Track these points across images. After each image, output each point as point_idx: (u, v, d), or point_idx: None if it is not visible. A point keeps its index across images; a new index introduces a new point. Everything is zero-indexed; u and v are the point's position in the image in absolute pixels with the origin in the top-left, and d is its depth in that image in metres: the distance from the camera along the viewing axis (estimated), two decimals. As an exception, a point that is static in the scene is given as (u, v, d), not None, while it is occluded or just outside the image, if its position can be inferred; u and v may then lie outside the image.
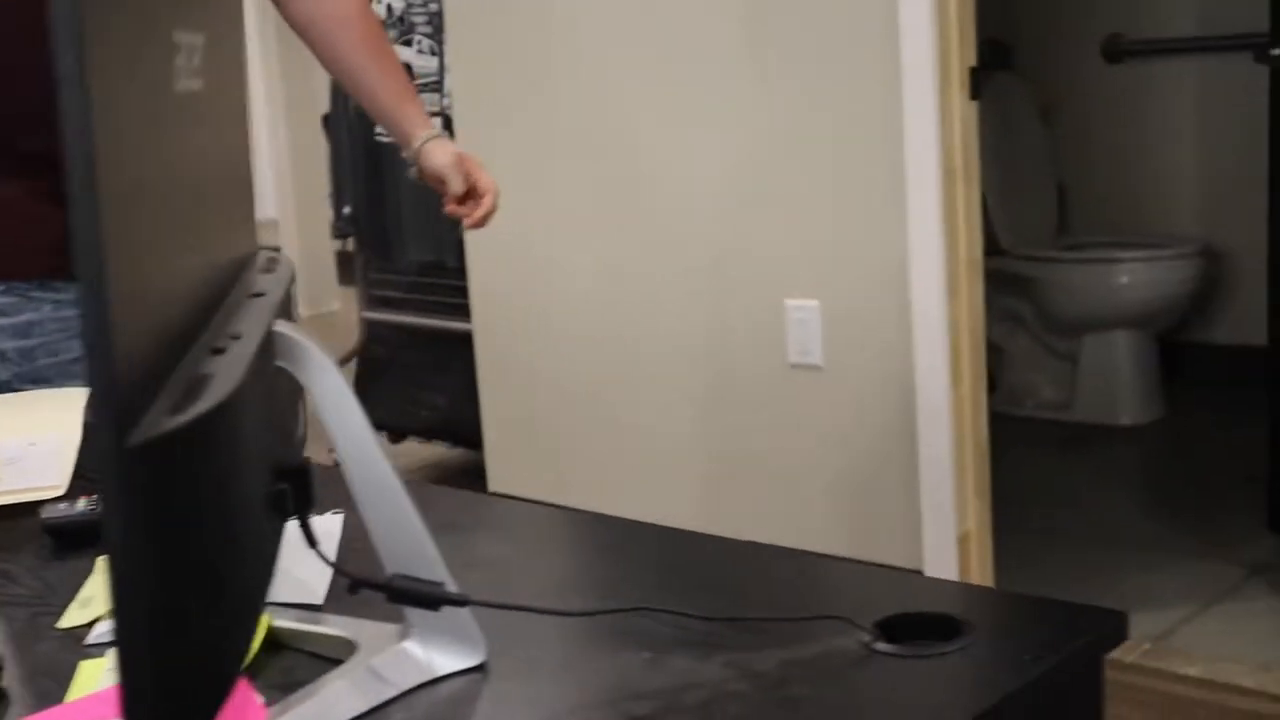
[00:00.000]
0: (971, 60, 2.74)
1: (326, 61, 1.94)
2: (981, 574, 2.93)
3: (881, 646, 0.86)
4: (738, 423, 3.15)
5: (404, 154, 1.93)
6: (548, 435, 3.43)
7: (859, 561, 1.03)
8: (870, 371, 2.93)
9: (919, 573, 2.92)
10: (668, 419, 3.25)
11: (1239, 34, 3.95)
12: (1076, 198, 4.53)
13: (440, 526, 1.10)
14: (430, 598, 0.81)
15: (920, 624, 0.87)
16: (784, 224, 2.98)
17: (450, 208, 1.92)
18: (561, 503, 3.37)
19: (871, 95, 2.79)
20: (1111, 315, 4.01)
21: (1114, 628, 0.88)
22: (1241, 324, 4.26)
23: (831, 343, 2.97)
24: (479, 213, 1.90)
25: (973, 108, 2.76)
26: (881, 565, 2.92)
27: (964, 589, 0.94)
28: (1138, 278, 3.96)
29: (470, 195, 1.91)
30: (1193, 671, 2.66)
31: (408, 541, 0.83)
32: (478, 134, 3.40)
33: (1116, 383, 4.07)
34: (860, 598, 0.96)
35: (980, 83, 4.13)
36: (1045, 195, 4.38)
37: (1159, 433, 4.05)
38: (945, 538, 2.89)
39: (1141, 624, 2.87)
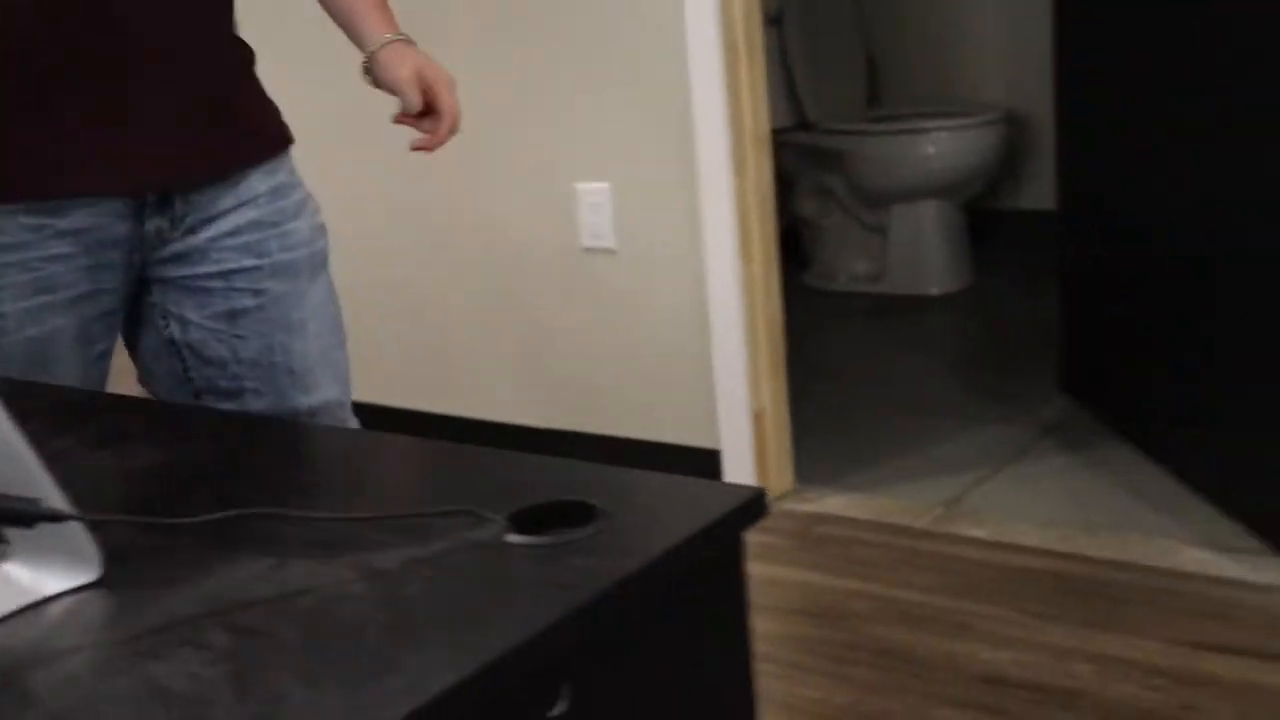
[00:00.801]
0: (748, -68, 2.71)
1: None
2: (778, 450, 2.97)
3: (512, 538, 0.84)
4: (534, 309, 3.12)
5: (363, 62, 1.69)
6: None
7: (512, 450, 1.01)
8: (663, 253, 2.92)
9: (716, 452, 2.95)
10: (467, 308, 3.22)
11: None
12: (886, 69, 4.54)
13: (108, 439, 1.06)
14: (26, 515, 0.78)
15: (556, 512, 0.86)
16: (571, 108, 2.94)
17: (401, 118, 1.68)
18: (371, 400, 3.33)
19: (650, -29, 2.75)
20: (919, 185, 4.04)
21: (752, 504, 0.88)
22: (1047, 189, 4.33)
23: (624, 226, 2.95)
24: (433, 139, 1.67)
25: (752, -19, 2.73)
26: (677, 445, 2.94)
27: (607, 473, 0.93)
28: (943, 147, 4.00)
29: (427, 113, 1.67)
30: (980, 533, 2.73)
31: (6, 458, 0.79)
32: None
33: (925, 253, 4.12)
34: (499, 488, 0.94)
35: (782, -45, 4.12)
36: (854, 67, 4.38)
37: (967, 301, 4.11)
38: (740, 416, 2.91)
39: (935, 489, 2.93)
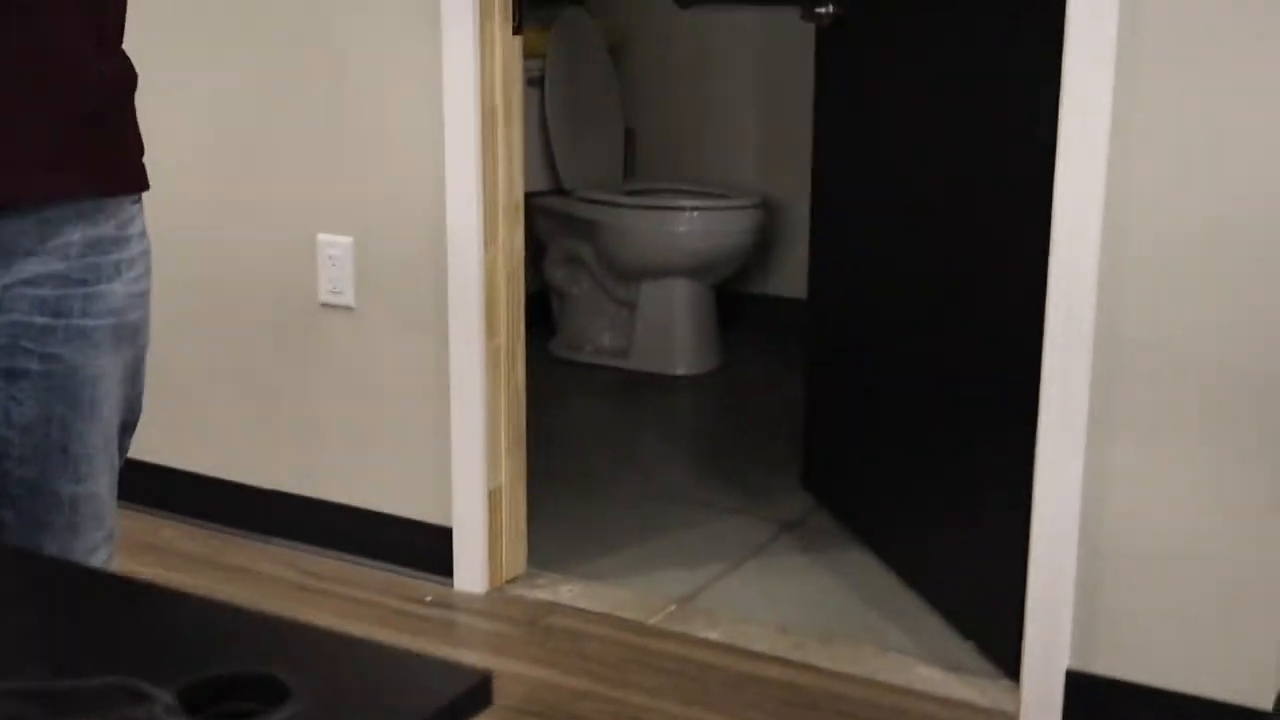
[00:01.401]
0: (516, -8, 2.59)
1: None
2: (512, 531, 2.83)
3: (178, 721, 0.68)
4: (268, 364, 2.92)
5: None
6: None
7: (184, 596, 0.85)
8: (405, 316, 2.76)
9: (448, 530, 2.79)
10: (200, 360, 2.99)
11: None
12: (644, 142, 4.48)
13: None
14: None
15: (239, 686, 0.71)
16: (318, 157, 2.77)
17: None
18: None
19: (413, 25, 2.60)
20: (669, 263, 3.97)
21: (476, 691, 0.74)
22: (797, 277, 4.31)
23: (365, 282, 2.78)
24: None
25: (515, 43, 2.61)
26: (408, 519, 2.78)
27: (311, 636, 0.78)
28: (695, 227, 3.94)
29: None
30: (714, 635, 2.63)
31: None
32: None
33: (673, 332, 4.04)
34: (176, 648, 0.78)
35: (549, 16, 4.03)
36: (612, 137, 4.30)
37: (713, 384, 4.05)
38: (475, 492, 2.76)
39: (670, 582, 2.83)
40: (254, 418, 2.96)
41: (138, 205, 1.47)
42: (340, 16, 2.68)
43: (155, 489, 3.06)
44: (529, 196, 4.08)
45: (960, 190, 2.55)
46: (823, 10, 2.89)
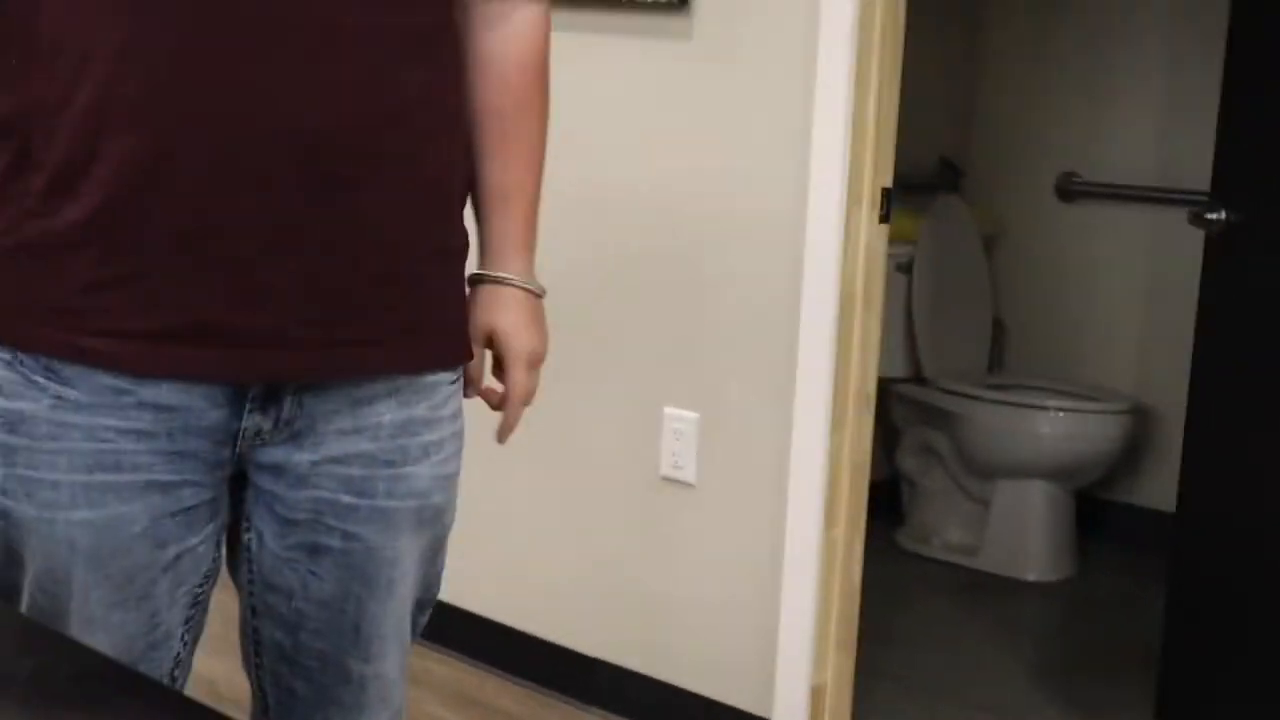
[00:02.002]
0: (885, 180, 2.54)
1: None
2: (834, 732, 2.70)
3: None
4: (602, 530, 2.92)
5: None
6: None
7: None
8: (744, 496, 2.71)
9: (767, 721, 2.69)
10: (534, 522, 3.02)
11: (1195, 190, 3.77)
12: (1013, 335, 4.33)
13: None
14: None
15: None
16: (668, 329, 2.77)
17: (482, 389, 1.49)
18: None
19: (776, 205, 2.59)
20: (1029, 464, 3.80)
21: None
22: (1166, 489, 4.05)
23: (707, 459, 2.75)
24: (502, 424, 1.50)
25: (881, 231, 2.56)
26: (727, 705, 2.70)
27: None
28: (1060, 429, 3.76)
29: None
30: None
31: None
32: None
33: (1027, 535, 3.85)
34: None
35: (924, 203, 3.97)
36: (979, 327, 4.18)
37: (1065, 593, 3.83)
38: (798, 687, 2.66)
39: (998, 808, 2.64)
40: (586, 583, 2.95)
41: (455, 385, 1.46)
42: (702, 197, 2.69)
43: (486, 643, 3.08)
44: (887, 383, 4.02)
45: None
46: (1214, 216, 2.74)
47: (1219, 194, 2.76)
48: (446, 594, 3.07)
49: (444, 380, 1.43)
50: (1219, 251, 2.79)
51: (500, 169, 1.46)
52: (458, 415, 1.47)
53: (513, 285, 1.47)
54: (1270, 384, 2.60)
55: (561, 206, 2.88)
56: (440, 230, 1.40)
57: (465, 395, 1.46)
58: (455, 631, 3.13)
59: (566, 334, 2.90)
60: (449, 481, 1.46)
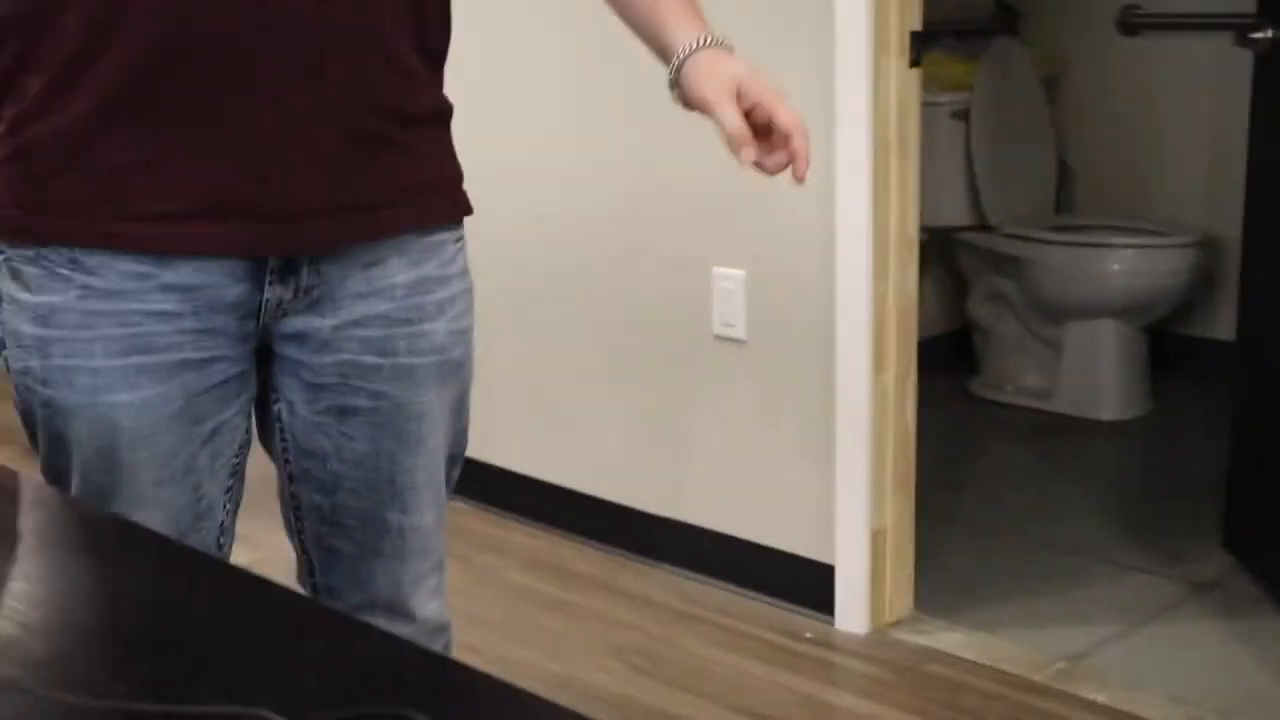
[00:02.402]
0: (914, 24, 2.53)
1: None
2: (896, 574, 2.76)
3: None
4: (658, 392, 2.98)
5: (669, 77, 1.41)
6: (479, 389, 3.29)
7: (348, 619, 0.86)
8: (794, 350, 2.75)
9: (830, 567, 2.76)
10: (588, 385, 3.09)
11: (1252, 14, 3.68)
12: (1080, 176, 4.28)
13: None
14: None
15: None
16: (713, 192, 2.79)
17: (740, 151, 1.34)
18: (487, 459, 3.22)
19: (803, 56, 2.59)
20: (1099, 303, 3.78)
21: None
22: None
23: (756, 316, 2.79)
24: (790, 163, 1.36)
25: (913, 75, 2.55)
26: (791, 554, 2.76)
27: (474, 680, 0.77)
28: (1129, 266, 3.73)
29: (764, 134, 1.36)
30: (1101, 698, 2.48)
31: None
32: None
33: (1100, 375, 3.84)
34: (346, 680, 0.79)
35: (979, 48, 3.92)
36: (1043, 171, 4.13)
37: (1140, 431, 3.82)
38: (858, 533, 2.71)
39: (1062, 639, 2.68)
40: (649, 445, 3.02)
41: (460, 244, 1.51)
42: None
43: (558, 509, 3.17)
44: (953, 231, 4.01)
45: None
46: (1260, 35, 2.69)
47: (1266, 11, 2.71)
48: (520, 464, 3.18)
49: (449, 239, 1.49)
50: (1267, 71, 2.75)
51: None
52: (466, 272, 1.52)
53: (717, 47, 1.41)
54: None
55: (591, 79, 2.90)
56: (427, 93, 1.45)
57: (743, 162, 1.36)
58: (530, 499, 3.22)
59: (613, 203, 2.95)
60: (465, 336, 1.52)
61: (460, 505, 3.26)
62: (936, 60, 3.85)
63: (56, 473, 1.44)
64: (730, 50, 1.41)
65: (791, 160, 1.36)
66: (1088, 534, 3.17)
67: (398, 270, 1.44)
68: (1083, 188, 4.29)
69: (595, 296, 3.03)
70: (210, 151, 1.32)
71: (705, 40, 1.40)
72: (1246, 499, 2.91)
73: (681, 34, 1.41)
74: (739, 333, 2.81)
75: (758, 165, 1.36)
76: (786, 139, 1.35)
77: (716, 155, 2.75)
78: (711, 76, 1.37)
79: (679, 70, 1.40)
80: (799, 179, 1.37)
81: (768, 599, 2.85)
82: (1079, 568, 2.99)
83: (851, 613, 2.74)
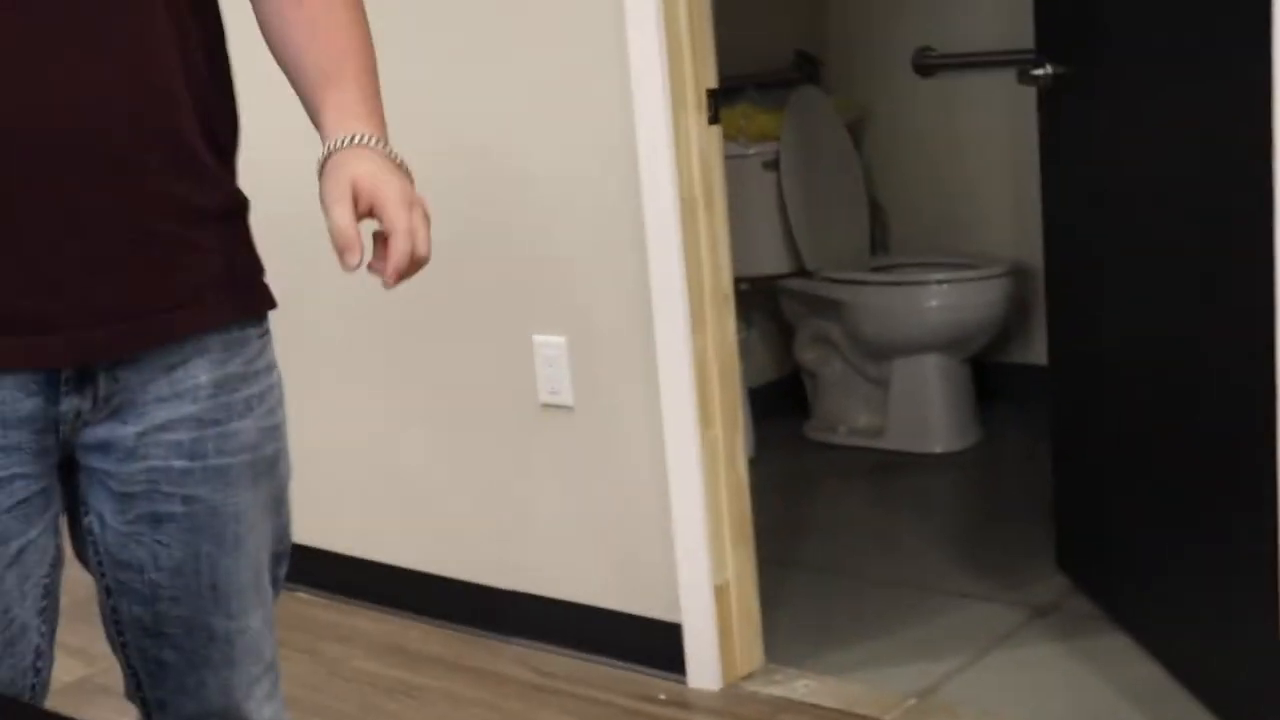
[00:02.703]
0: (709, 82, 2.56)
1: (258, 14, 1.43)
2: (743, 627, 2.76)
3: None
4: (491, 465, 2.95)
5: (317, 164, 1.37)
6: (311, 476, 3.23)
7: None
8: (622, 412, 2.75)
9: (678, 626, 2.75)
10: (422, 462, 3.05)
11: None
12: (893, 216, 4.38)
13: None
14: None
15: None
16: (528, 258, 2.79)
17: (341, 255, 1.28)
18: (324, 546, 3.17)
19: (607, 122, 2.61)
20: (921, 339, 3.85)
21: None
22: (1059, 345, 4.13)
23: (581, 381, 2.78)
24: (385, 262, 1.30)
25: (713, 132, 2.58)
26: (638, 616, 2.75)
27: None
28: (945, 300, 3.82)
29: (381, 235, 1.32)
30: (952, 730, 2.50)
31: None
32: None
33: (928, 409, 3.92)
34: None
35: (782, 98, 4.00)
36: (856, 214, 4.21)
37: (971, 461, 3.90)
38: (702, 588, 2.71)
39: (911, 675, 2.71)
40: (486, 518, 2.99)
41: (265, 337, 1.47)
42: (531, 126, 2.71)
43: (401, 591, 3.12)
44: (773, 280, 4.06)
45: (1185, 238, 2.38)
46: (1040, 72, 2.77)
47: (1043, 49, 2.80)
48: (361, 549, 3.13)
49: (253, 334, 1.45)
50: (1050, 105, 2.84)
51: (315, 57, 1.41)
52: (273, 367, 1.49)
53: (360, 145, 1.35)
54: (1106, 226, 2.65)
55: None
56: (219, 191, 1.42)
57: (345, 266, 1.29)
58: (373, 584, 3.17)
59: (428, 277, 2.92)
60: (276, 432, 1.48)
61: (302, 595, 3.19)
62: (744, 112, 3.92)
63: None
64: (374, 146, 1.36)
65: (389, 261, 1.30)
66: (928, 567, 3.21)
67: (201, 370, 1.40)
68: (896, 228, 4.38)
69: (421, 373, 3.00)
70: None
71: (347, 140, 1.35)
72: (1074, 519, 2.97)
73: (330, 127, 1.37)
74: (566, 399, 2.80)
75: (371, 268, 1.31)
76: (392, 236, 1.31)
77: (521, 223, 2.76)
78: (331, 176, 1.33)
79: (320, 166, 1.36)
80: (385, 283, 1.32)
81: (619, 664, 2.83)
82: (921, 602, 3.03)
83: (703, 670, 2.73)
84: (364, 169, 1.33)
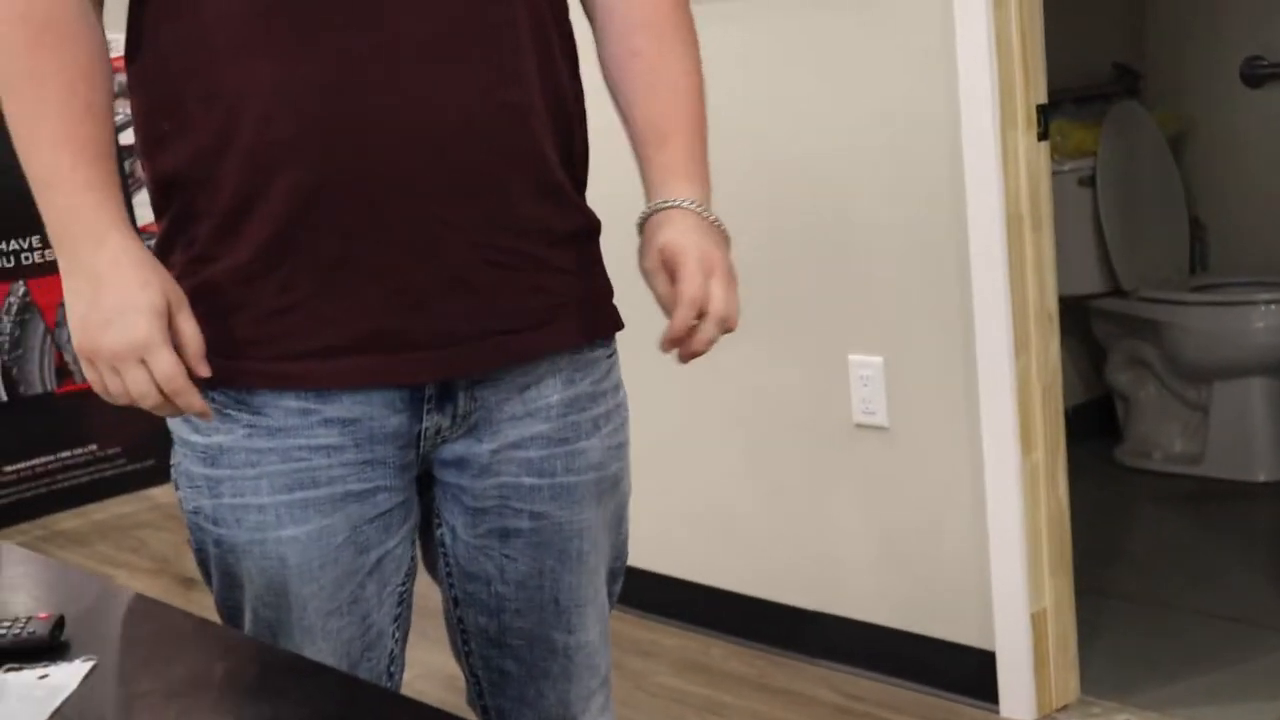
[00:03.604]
0: (1040, 97, 2.50)
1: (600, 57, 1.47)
2: (1060, 657, 2.68)
3: None
4: (802, 484, 2.94)
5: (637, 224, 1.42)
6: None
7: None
8: (938, 434, 2.70)
9: (991, 654, 2.68)
10: (730, 479, 3.06)
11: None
12: (1215, 233, 4.19)
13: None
14: None
15: None
16: (843, 278, 2.77)
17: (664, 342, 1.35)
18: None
19: (931, 138, 2.57)
20: (1245, 362, 3.68)
21: None
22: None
23: (897, 402, 2.75)
24: (672, 333, 1.34)
25: (1041, 149, 2.52)
26: (949, 642, 2.69)
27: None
28: (1273, 322, 3.63)
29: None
30: (1288, 778, 2.37)
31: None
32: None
33: (1251, 435, 3.73)
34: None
35: (1100, 112, 3.87)
36: (1174, 232, 4.05)
37: (1298, 490, 3.70)
38: (1018, 616, 2.64)
39: (1237, 715, 2.58)
40: (794, 538, 2.98)
41: (612, 358, 1.50)
42: (855, 132, 2.68)
43: (709, 610, 3.13)
44: (1086, 300, 3.94)
45: None
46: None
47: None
48: (666, 565, 3.15)
49: (602, 355, 1.48)
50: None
51: (645, 111, 1.43)
52: (619, 387, 1.52)
53: (675, 207, 1.38)
54: None
55: (715, 166, 2.90)
56: (574, 210, 1.44)
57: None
58: (677, 601, 3.19)
59: (744, 293, 2.93)
60: (621, 451, 1.51)
61: (606, 608, 3.23)
62: (1060, 127, 3.81)
63: (231, 610, 1.45)
64: (691, 208, 1.38)
65: (672, 336, 1.34)
66: (1254, 601, 3.06)
67: (553, 390, 1.43)
68: (1217, 246, 4.19)
69: (732, 390, 3.01)
70: (364, 285, 1.33)
71: (665, 203, 1.38)
72: None
73: (651, 188, 1.41)
74: (881, 420, 2.77)
75: (665, 345, 1.37)
76: (679, 305, 1.34)
77: (842, 241, 2.74)
78: (648, 241, 1.38)
79: (640, 225, 1.40)
80: (663, 348, 1.36)
81: (928, 689, 2.78)
82: (1249, 638, 2.89)
83: (1016, 699, 2.66)
84: (672, 234, 1.36)
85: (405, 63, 1.30)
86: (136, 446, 4.43)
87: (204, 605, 1.49)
